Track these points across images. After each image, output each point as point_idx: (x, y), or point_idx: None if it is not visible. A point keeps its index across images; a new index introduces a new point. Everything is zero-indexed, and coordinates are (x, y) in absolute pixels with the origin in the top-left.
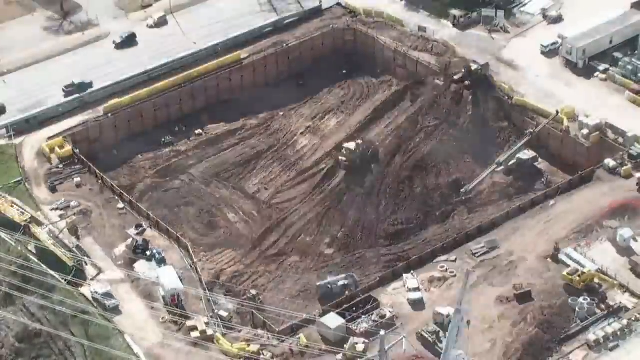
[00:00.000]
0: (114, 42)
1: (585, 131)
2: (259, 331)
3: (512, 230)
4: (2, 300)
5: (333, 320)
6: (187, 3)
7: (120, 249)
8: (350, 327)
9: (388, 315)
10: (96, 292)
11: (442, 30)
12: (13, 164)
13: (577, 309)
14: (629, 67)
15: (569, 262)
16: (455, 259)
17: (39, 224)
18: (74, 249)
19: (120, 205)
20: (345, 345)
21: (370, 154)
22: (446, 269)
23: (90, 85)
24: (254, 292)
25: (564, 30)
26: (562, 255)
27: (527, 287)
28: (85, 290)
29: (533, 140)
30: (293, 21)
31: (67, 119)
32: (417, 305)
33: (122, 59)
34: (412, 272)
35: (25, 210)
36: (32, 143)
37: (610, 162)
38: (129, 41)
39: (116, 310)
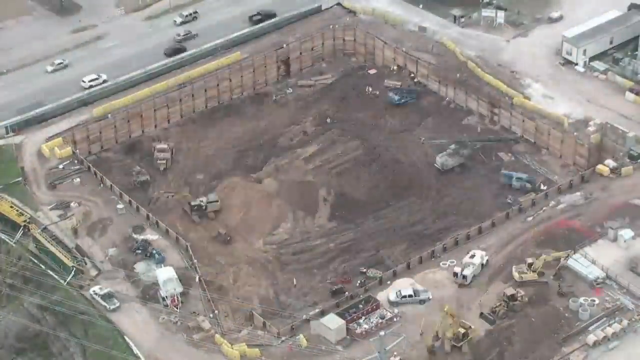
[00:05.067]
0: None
1: (585, 131)
2: (259, 332)
3: (512, 231)
4: (2, 301)
5: (333, 321)
6: (187, 3)
7: (120, 249)
8: (350, 327)
9: (388, 315)
10: (96, 294)
11: (443, 30)
12: (13, 164)
13: (579, 310)
14: (629, 67)
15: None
16: (455, 259)
17: (39, 224)
18: (74, 249)
19: (120, 205)
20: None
21: None
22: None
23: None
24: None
25: (564, 30)
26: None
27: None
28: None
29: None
30: (293, 21)
31: (67, 119)
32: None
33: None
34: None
35: (24, 211)
36: (32, 143)
37: (610, 162)
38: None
39: (118, 309)
